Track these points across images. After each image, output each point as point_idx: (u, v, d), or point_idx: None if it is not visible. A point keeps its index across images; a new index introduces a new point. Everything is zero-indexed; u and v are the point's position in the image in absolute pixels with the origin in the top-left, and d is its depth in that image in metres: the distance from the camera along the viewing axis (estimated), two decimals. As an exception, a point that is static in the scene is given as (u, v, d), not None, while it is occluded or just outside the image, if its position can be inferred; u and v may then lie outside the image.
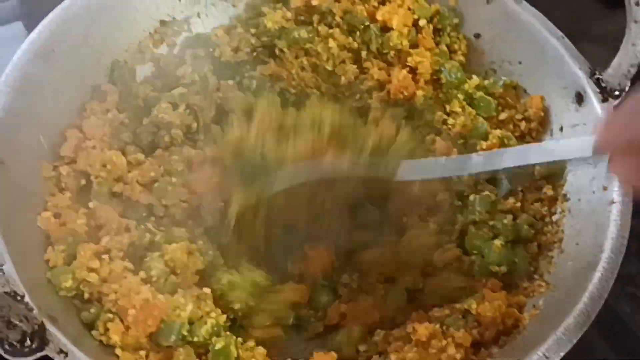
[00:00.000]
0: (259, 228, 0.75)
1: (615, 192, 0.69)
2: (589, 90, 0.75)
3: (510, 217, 0.76)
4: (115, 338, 0.63)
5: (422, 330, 0.67)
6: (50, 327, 0.60)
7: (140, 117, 0.79)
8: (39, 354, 0.58)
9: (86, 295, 0.67)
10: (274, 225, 0.75)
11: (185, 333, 0.65)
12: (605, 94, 0.75)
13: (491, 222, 0.76)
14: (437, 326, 0.68)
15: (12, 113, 0.71)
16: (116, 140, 0.76)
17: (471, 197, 0.77)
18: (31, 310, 0.60)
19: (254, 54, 0.85)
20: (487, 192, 0.77)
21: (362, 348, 0.71)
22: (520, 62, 0.83)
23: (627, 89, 0.74)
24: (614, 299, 0.65)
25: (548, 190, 0.77)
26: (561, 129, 0.78)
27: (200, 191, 0.75)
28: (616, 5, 0.74)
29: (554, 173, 0.77)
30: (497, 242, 0.73)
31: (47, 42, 0.75)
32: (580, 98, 0.76)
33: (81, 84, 0.78)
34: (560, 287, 0.69)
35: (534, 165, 0.76)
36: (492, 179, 0.79)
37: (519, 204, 0.77)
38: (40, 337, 0.59)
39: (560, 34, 0.79)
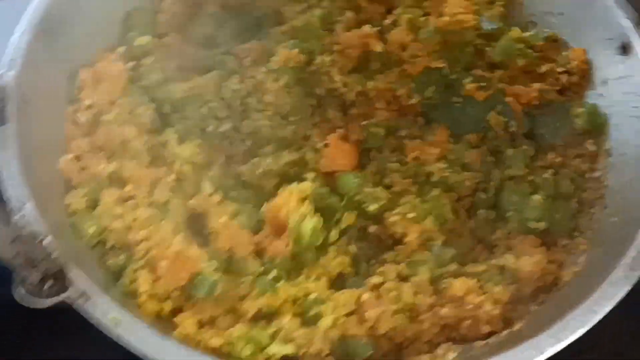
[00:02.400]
0: None
1: (663, 145, 0.66)
2: (635, 40, 0.72)
3: (550, 171, 0.72)
4: (144, 288, 0.62)
5: (458, 285, 0.64)
6: (72, 270, 0.57)
7: None
8: (60, 297, 0.56)
9: (110, 243, 0.64)
10: None
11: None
12: (653, 44, 0.71)
13: (530, 177, 0.73)
14: (474, 281, 0.65)
15: (35, 53, 0.69)
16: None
17: (508, 151, 0.74)
18: (52, 252, 0.58)
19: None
20: (525, 147, 0.74)
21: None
22: (561, 14, 0.79)
23: (676, 38, 0.71)
24: None
25: (590, 146, 0.73)
26: (605, 82, 0.74)
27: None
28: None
29: (596, 127, 0.73)
30: (537, 197, 0.70)
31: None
32: (625, 49, 0.72)
33: (105, 26, 0.76)
34: (603, 244, 0.66)
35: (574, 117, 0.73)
36: (529, 133, 0.76)
37: (559, 159, 0.74)
38: (61, 279, 0.57)
39: (606, -19, 0.75)
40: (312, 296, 0.64)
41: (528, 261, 0.65)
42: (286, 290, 0.64)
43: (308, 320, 0.63)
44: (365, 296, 0.65)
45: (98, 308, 0.56)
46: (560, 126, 0.75)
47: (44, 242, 0.58)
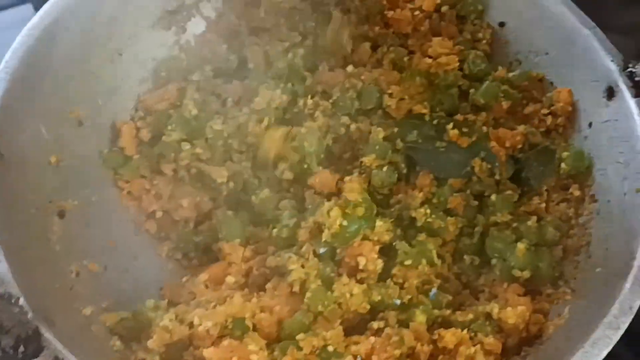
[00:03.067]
0: None
1: (649, 196, 0.65)
2: (621, 84, 0.71)
3: (534, 218, 0.71)
4: None
5: (449, 336, 0.63)
6: (46, 332, 0.57)
7: None
8: (33, 360, 0.56)
9: None
10: None
11: None
12: (638, 89, 0.70)
13: (514, 224, 0.71)
14: (464, 332, 0.64)
15: (11, 102, 0.67)
16: None
17: (492, 197, 0.73)
18: (26, 314, 0.57)
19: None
20: (509, 192, 0.73)
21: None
22: (547, 53, 0.78)
23: (661, 84, 0.70)
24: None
25: (575, 191, 0.72)
26: (590, 124, 0.73)
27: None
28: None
29: (582, 172, 0.72)
30: (521, 246, 0.68)
31: (50, 27, 0.71)
32: (611, 93, 0.71)
33: (85, 72, 0.74)
34: (587, 295, 0.65)
35: (560, 161, 0.73)
36: (514, 176, 0.75)
37: (543, 205, 0.73)
38: (35, 342, 0.56)
39: (593, 24, 0.74)
40: (331, 348, 0.62)
41: (512, 312, 0.64)
42: (309, 341, 0.62)
43: None
44: (371, 340, 0.63)
45: (72, 371, 0.56)
46: (545, 170, 0.74)
47: (18, 304, 0.57)
